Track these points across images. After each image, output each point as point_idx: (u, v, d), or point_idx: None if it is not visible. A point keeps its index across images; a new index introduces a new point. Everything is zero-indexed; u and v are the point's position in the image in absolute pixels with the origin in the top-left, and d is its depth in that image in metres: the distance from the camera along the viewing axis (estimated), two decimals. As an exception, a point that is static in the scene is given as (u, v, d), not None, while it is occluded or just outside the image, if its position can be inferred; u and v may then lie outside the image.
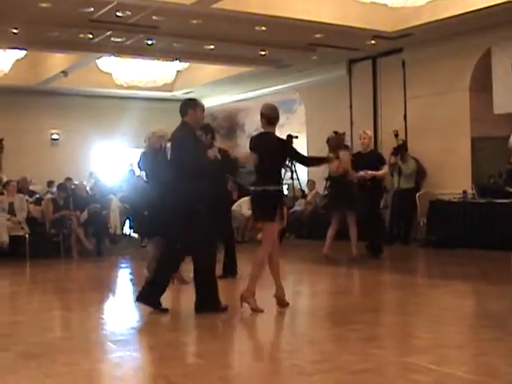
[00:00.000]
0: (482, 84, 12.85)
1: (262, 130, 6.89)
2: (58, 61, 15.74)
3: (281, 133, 17.98)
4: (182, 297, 8.37)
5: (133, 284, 9.30)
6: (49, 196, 13.54)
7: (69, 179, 15.40)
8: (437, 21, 11.59)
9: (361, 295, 8.01)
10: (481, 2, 10.92)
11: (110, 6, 10.77)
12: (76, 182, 14.84)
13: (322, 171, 12.10)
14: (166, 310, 6.75)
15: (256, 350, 5.49)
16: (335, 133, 10.56)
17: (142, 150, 9.05)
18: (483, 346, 5.25)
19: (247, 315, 6.66)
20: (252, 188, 6.85)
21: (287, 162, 14.35)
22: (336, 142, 9.91)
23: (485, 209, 11.88)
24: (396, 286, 8.93)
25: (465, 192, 12.59)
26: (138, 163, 8.91)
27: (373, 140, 14.65)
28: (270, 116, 6.81)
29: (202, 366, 5.02)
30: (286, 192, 16.18)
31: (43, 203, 13.11)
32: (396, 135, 13.87)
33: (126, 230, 15.43)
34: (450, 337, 5.70)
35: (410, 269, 10.90)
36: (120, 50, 13.71)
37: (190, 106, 6.75)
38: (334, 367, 4.73)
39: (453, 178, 13.12)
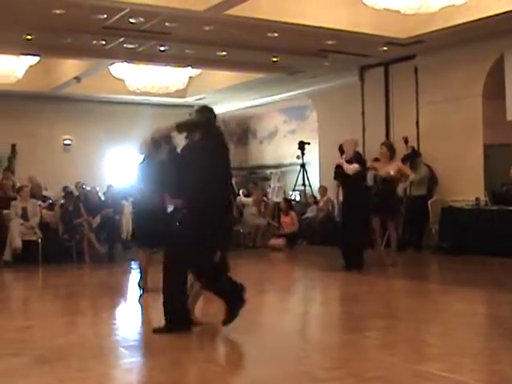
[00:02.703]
0: (494, 90, 12.81)
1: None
2: (70, 67, 15.83)
3: (293, 139, 17.93)
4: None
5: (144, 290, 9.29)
6: (61, 202, 13.60)
7: (78, 183, 15.53)
8: (449, 27, 11.55)
9: (374, 302, 7.99)
10: (494, 9, 10.88)
11: (122, 13, 10.83)
12: (88, 188, 14.90)
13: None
14: None
15: (268, 356, 5.48)
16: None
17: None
18: (496, 354, 5.24)
19: (257, 322, 6.66)
20: None
21: None
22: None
23: (498, 216, 11.82)
24: (409, 293, 8.91)
25: (477, 199, 12.54)
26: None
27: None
28: None
29: (215, 371, 5.02)
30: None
31: (55, 210, 13.20)
32: (406, 141, 13.77)
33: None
34: (462, 344, 5.67)
35: (423, 275, 10.88)
36: (133, 57, 13.77)
37: None
38: (346, 374, 4.73)
39: (465, 184, 13.07)
